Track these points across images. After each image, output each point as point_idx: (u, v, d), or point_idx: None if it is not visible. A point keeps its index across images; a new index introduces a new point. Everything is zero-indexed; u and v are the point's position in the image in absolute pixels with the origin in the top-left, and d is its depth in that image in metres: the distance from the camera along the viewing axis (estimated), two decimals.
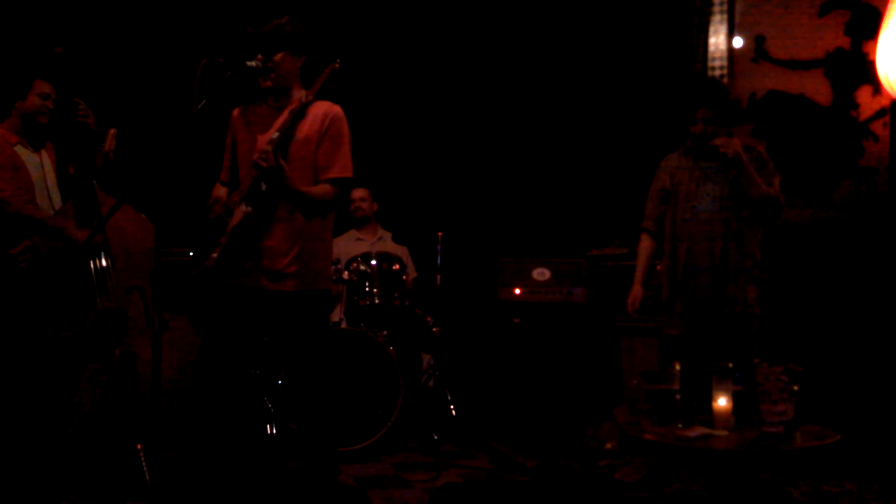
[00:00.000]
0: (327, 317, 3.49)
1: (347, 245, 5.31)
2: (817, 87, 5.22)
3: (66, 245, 3.71)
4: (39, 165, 3.94)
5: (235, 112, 3.34)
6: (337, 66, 3.14)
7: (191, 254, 4.78)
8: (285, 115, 3.17)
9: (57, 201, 3.96)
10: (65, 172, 4.00)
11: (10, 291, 3.72)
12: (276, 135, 3.10)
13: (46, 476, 3.63)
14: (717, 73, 5.29)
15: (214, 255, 3.16)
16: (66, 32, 5.00)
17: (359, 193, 5.37)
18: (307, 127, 3.18)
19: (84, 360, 3.66)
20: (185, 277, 4.41)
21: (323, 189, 3.19)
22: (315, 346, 3.24)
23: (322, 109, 3.21)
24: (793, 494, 3.76)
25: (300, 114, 3.12)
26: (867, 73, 5.06)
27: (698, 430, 2.92)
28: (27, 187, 3.83)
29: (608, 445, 4.37)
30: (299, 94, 3.20)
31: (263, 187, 3.10)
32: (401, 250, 5.40)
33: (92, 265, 3.75)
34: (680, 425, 2.98)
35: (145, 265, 3.84)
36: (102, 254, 3.77)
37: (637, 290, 4.05)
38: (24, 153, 3.88)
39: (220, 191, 3.33)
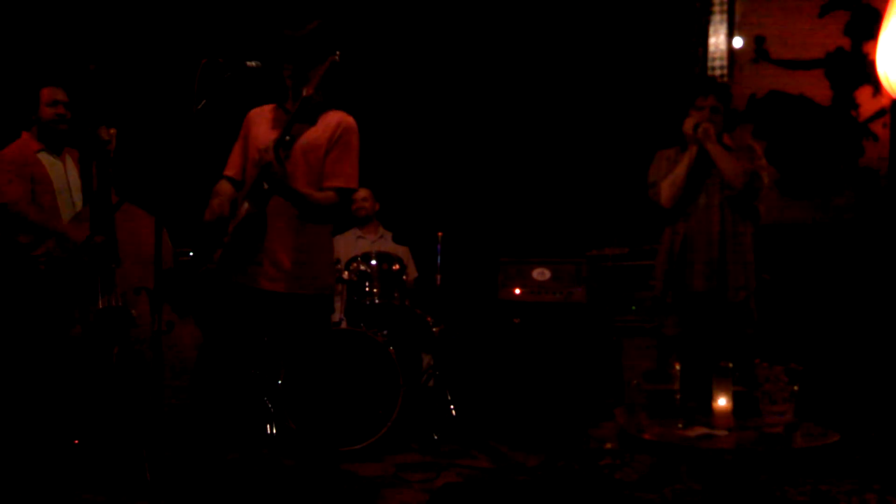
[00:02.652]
0: (326, 320, 3.48)
1: (348, 243, 5.31)
2: (817, 87, 5.22)
3: (73, 248, 3.76)
4: (63, 171, 4.04)
5: (252, 112, 3.33)
6: (336, 57, 3.12)
7: (191, 254, 4.78)
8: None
9: (80, 206, 4.06)
10: (89, 180, 4.06)
11: (30, 292, 3.77)
12: (279, 133, 3.10)
13: (47, 476, 3.64)
14: (717, 73, 5.30)
15: (217, 255, 3.16)
16: (65, 33, 5.02)
17: (361, 193, 5.37)
18: (318, 132, 3.17)
19: (87, 359, 3.67)
20: (188, 278, 4.42)
21: (325, 195, 3.18)
22: (312, 350, 3.24)
23: (336, 118, 3.21)
24: (793, 495, 3.76)
25: (301, 109, 3.10)
26: (867, 73, 5.06)
27: (698, 430, 2.92)
28: (46, 192, 3.92)
29: (608, 445, 4.37)
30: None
31: (265, 186, 3.10)
32: (401, 250, 5.40)
33: (97, 266, 3.77)
34: (680, 425, 2.98)
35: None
36: (108, 255, 3.80)
37: None
38: (47, 160, 4.00)
39: (222, 187, 3.31)
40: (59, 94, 4.01)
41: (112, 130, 4.07)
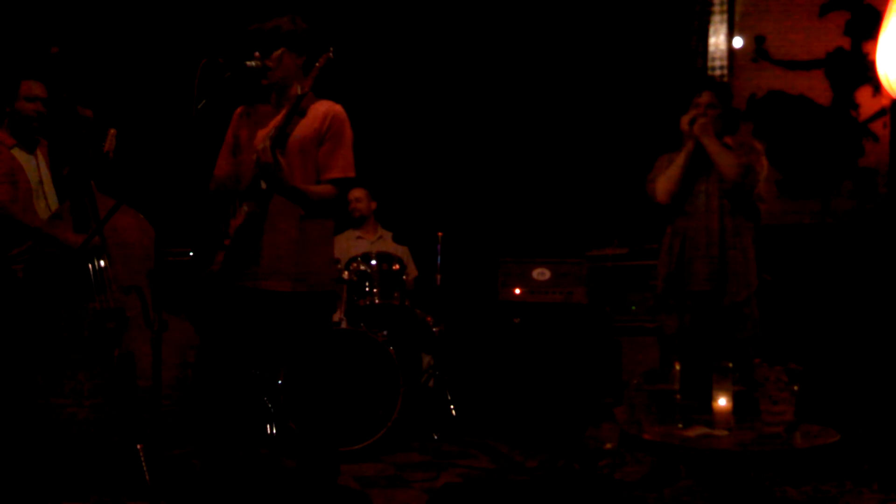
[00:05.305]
0: (329, 318, 3.48)
1: (347, 244, 5.31)
2: (817, 87, 5.22)
3: (62, 250, 3.72)
4: (36, 167, 3.95)
5: (238, 111, 3.34)
6: (331, 54, 3.12)
7: (190, 254, 4.77)
8: (284, 111, 3.17)
9: (53, 202, 3.96)
10: (60, 173, 3.99)
11: (9, 293, 3.72)
12: (273, 132, 3.10)
13: (46, 476, 3.63)
14: (717, 73, 5.30)
15: (220, 258, 3.16)
16: (65, 32, 5.01)
17: (355, 193, 5.37)
18: (308, 125, 3.17)
19: (83, 361, 3.66)
20: (185, 277, 4.41)
21: (324, 189, 3.18)
22: (315, 348, 3.23)
23: (323, 108, 3.21)
24: (793, 495, 3.76)
25: (295, 108, 3.11)
26: (867, 73, 5.06)
27: (698, 430, 2.92)
28: (25, 190, 3.84)
29: (608, 445, 4.37)
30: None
31: (263, 185, 3.09)
32: (401, 250, 5.40)
33: (90, 267, 3.75)
34: (680, 425, 2.98)
35: (144, 265, 3.83)
36: (101, 255, 3.77)
37: None
38: (21, 156, 3.88)
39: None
40: (37, 89, 3.87)
41: (112, 131, 4.05)
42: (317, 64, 3.10)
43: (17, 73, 3.91)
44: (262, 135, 3.15)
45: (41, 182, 3.94)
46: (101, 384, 3.66)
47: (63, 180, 3.95)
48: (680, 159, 3.86)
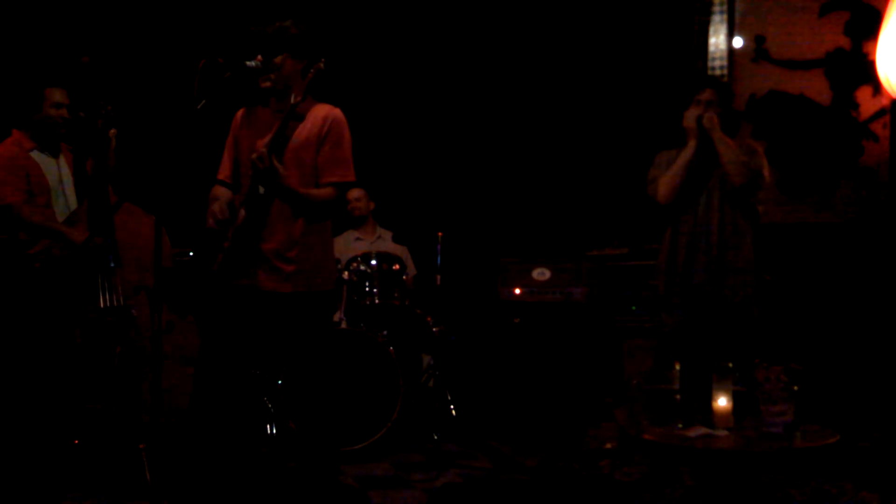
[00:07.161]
0: (329, 317, 3.49)
1: (347, 245, 5.32)
2: (817, 87, 5.22)
3: (71, 248, 3.74)
4: (57, 170, 4.02)
5: (239, 114, 3.35)
6: (322, 66, 3.15)
7: (191, 254, 4.77)
8: (281, 118, 3.18)
9: (73, 204, 4.02)
10: (83, 176, 4.04)
11: (27, 291, 3.75)
12: (271, 138, 3.11)
13: (46, 475, 3.64)
14: (717, 73, 5.30)
15: (219, 258, 3.17)
16: (67, 33, 5.02)
17: (354, 193, 5.38)
18: (307, 129, 3.18)
19: (86, 359, 3.67)
20: (188, 278, 4.42)
21: (323, 192, 3.19)
22: (315, 348, 3.24)
23: (322, 112, 3.22)
24: (793, 495, 3.76)
25: (291, 115, 3.13)
26: (867, 73, 5.06)
27: (698, 430, 2.93)
28: (42, 192, 3.90)
29: (608, 445, 4.37)
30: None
31: (261, 190, 3.11)
32: (400, 249, 5.40)
33: (97, 266, 3.77)
34: (680, 425, 2.98)
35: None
36: (109, 255, 3.79)
37: None
38: (40, 158, 3.96)
39: (219, 191, 3.33)
40: (62, 96, 3.96)
41: (112, 131, 4.07)
42: (308, 75, 3.12)
43: (36, 81, 3.97)
44: (262, 141, 3.16)
45: (62, 185, 4.01)
46: (103, 382, 3.67)
47: (85, 183, 4.00)
48: (683, 158, 3.83)
